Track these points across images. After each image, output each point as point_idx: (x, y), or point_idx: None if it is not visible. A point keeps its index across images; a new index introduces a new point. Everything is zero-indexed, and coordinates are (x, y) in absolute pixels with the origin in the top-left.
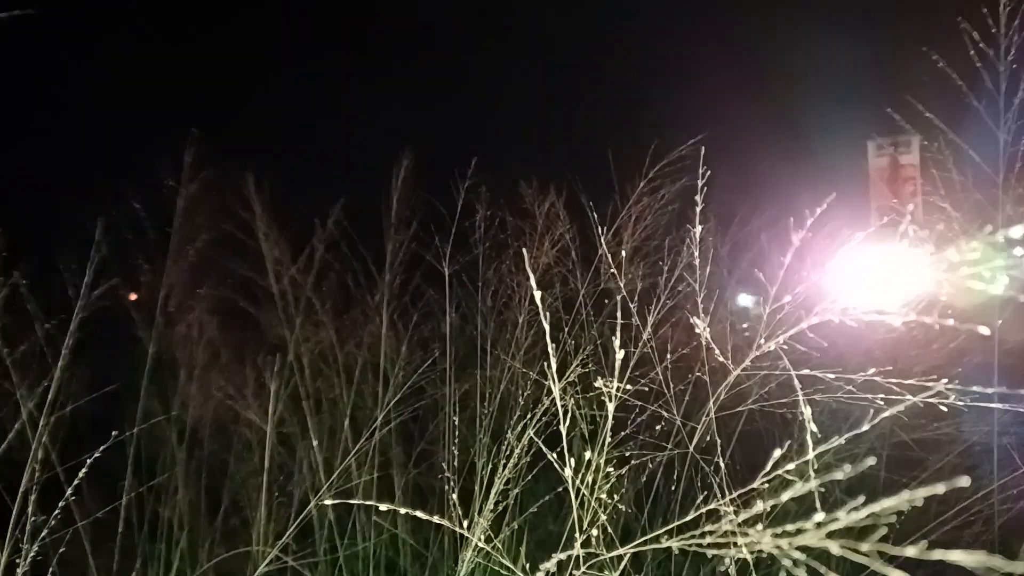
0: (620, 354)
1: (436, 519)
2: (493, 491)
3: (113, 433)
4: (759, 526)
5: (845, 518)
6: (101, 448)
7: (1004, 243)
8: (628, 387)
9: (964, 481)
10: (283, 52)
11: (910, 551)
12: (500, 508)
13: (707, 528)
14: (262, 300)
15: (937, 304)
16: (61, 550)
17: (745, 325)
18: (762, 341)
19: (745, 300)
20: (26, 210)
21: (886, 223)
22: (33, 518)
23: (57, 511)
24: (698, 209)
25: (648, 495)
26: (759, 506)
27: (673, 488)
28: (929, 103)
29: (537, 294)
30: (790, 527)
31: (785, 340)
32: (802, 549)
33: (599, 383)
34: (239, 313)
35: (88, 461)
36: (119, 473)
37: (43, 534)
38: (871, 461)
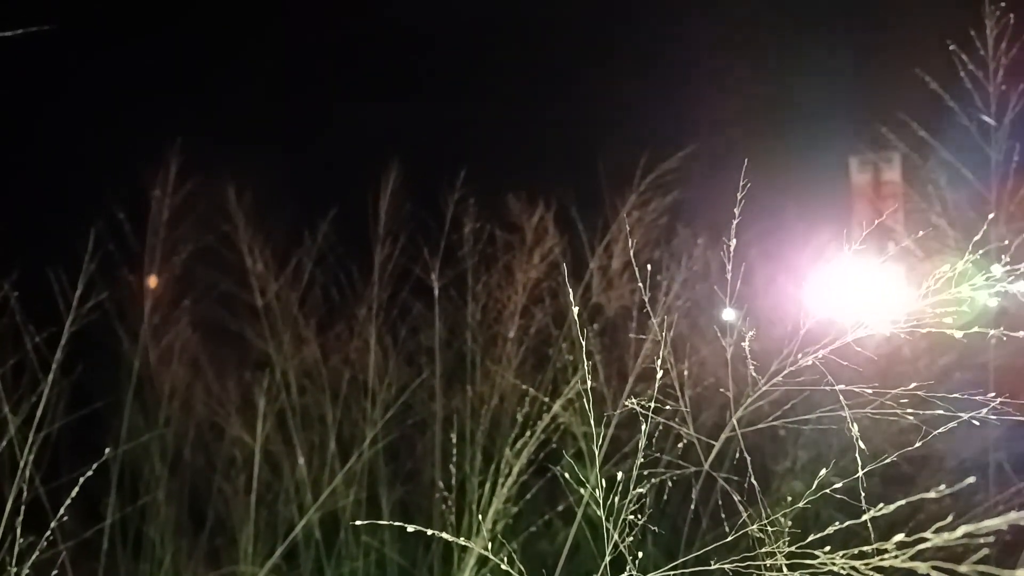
0: (659, 374)
1: (435, 533)
2: (492, 509)
3: (107, 451)
4: (827, 547)
5: (936, 538)
6: (93, 466)
7: (992, 260)
8: (659, 405)
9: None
10: (268, 62)
11: (1020, 573)
12: (497, 527)
13: (765, 550)
14: (247, 314)
15: (926, 320)
16: (54, 573)
17: (730, 340)
18: (799, 356)
19: (729, 315)
20: (9, 219)
21: (869, 239)
22: (21, 540)
23: (49, 532)
24: (735, 222)
25: (653, 514)
26: (829, 528)
27: (694, 507)
28: (917, 121)
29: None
30: (866, 548)
31: (822, 355)
32: (877, 570)
33: (631, 402)
34: (225, 327)
35: (80, 481)
36: (102, 491)
37: (34, 555)
38: (970, 479)
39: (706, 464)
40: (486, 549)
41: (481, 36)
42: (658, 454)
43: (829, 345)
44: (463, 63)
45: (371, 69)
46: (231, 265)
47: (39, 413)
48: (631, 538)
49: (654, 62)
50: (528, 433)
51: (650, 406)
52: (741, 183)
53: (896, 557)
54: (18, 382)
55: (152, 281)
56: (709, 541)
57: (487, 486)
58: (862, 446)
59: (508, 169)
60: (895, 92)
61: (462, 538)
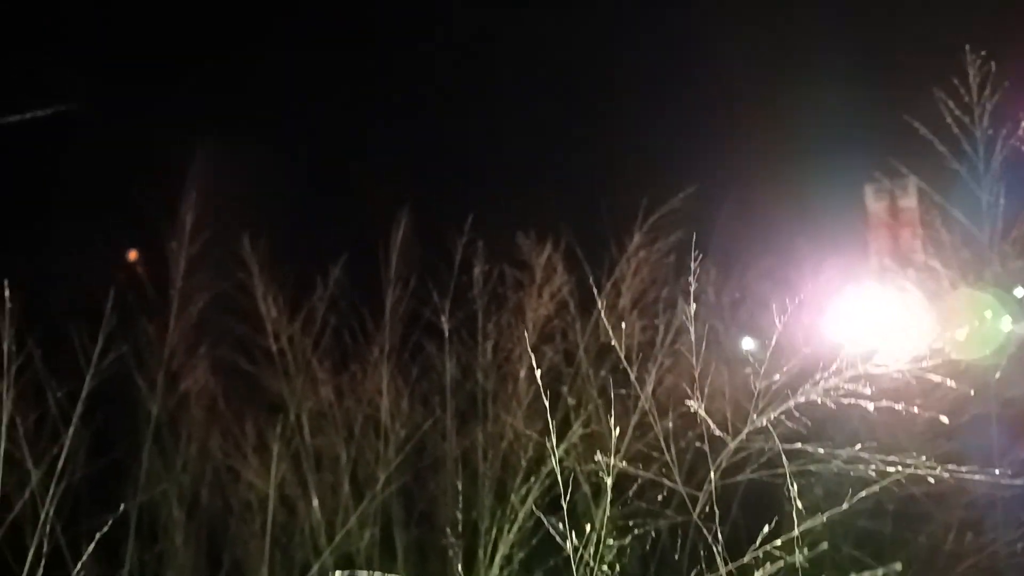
0: (616, 432)
1: None
2: (498, 555)
3: (121, 507)
4: None
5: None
6: (109, 522)
7: (998, 297)
8: (627, 465)
9: None
10: (279, 111)
11: None
12: (505, 573)
13: None
14: (262, 358)
15: (939, 355)
16: None
17: (748, 370)
18: (754, 417)
19: (749, 344)
20: (29, 270)
21: (886, 270)
22: None
23: None
24: (692, 288)
25: (654, 561)
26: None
27: (677, 556)
28: (918, 162)
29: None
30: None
31: (777, 414)
32: None
33: (598, 457)
34: (241, 372)
35: (96, 537)
36: (122, 536)
37: None
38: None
39: (695, 514)
40: None
41: (488, 81)
42: (649, 506)
43: (779, 407)
44: (471, 108)
45: (381, 116)
46: (246, 311)
47: (59, 465)
48: None
49: (663, 102)
50: (532, 478)
51: (611, 463)
52: (693, 254)
53: None
54: (39, 432)
55: (172, 329)
56: None
57: (493, 531)
58: (799, 505)
59: (515, 210)
60: (890, 138)
61: None
